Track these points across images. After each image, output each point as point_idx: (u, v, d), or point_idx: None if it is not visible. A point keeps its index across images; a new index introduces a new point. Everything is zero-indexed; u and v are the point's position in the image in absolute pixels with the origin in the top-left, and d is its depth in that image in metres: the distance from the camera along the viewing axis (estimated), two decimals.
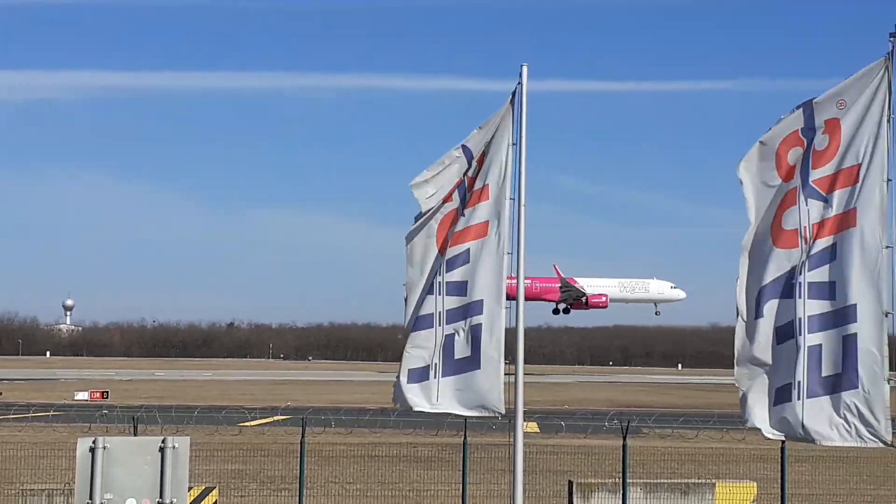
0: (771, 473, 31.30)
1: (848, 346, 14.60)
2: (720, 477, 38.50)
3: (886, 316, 14.43)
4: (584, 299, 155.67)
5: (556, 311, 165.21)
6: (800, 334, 14.82)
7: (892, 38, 14.49)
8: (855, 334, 14.55)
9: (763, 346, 15.07)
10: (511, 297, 17.73)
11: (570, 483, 35.05)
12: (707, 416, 59.47)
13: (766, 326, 15.05)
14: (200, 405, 65.47)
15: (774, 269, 15.06)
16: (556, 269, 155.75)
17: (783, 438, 15.25)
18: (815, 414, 14.72)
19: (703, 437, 52.03)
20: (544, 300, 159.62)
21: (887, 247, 14.53)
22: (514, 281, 17.93)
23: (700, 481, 36.86)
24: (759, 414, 15.12)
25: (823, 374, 14.66)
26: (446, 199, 18.14)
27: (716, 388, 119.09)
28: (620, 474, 30.49)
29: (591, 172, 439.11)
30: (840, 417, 14.66)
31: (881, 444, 14.32)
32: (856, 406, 14.51)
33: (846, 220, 14.73)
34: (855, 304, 14.64)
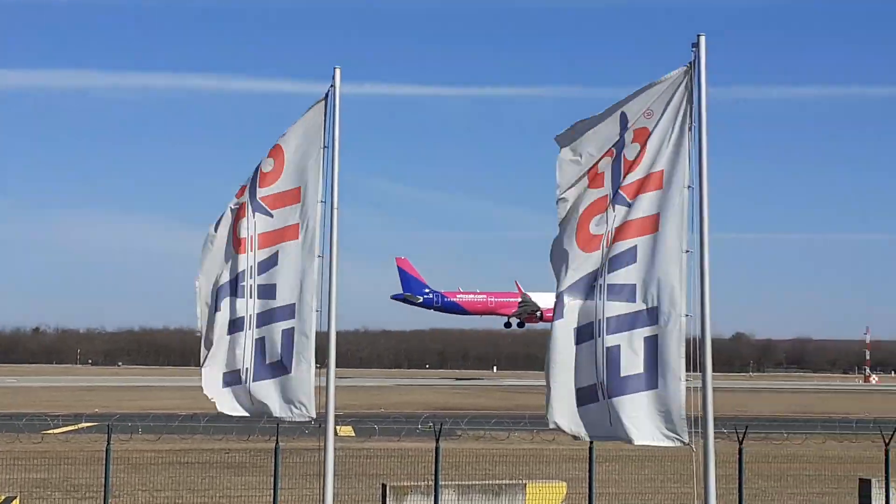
0: (580, 473, 31.95)
1: (648, 347, 14.95)
2: (531, 477, 39.11)
3: (685, 318, 14.84)
4: (538, 314, 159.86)
5: (507, 325, 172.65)
6: (599, 335, 15.09)
7: (693, 48, 14.95)
8: (655, 336, 14.91)
9: (564, 347, 15.31)
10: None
11: (384, 486, 35.06)
12: (519, 417, 60.36)
13: (566, 328, 15.30)
14: (1, 413, 63.10)
15: (576, 272, 15.32)
16: (517, 285, 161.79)
17: (587, 438, 15.53)
18: (617, 414, 15.02)
19: (515, 438, 52.76)
20: (498, 314, 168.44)
21: (686, 251, 14.94)
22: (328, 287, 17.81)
23: (512, 482, 37.38)
24: (562, 414, 15.35)
25: (622, 375, 14.96)
26: (239, 195, 17.95)
27: (528, 390, 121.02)
28: (433, 477, 30.62)
29: (410, 176, 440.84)
30: (641, 417, 14.99)
31: (679, 443, 14.71)
32: (655, 406, 14.87)
33: (649, 224, 15.07)
34: (656, 307, 14.99)
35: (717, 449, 15.48)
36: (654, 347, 14.94)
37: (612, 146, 15.40)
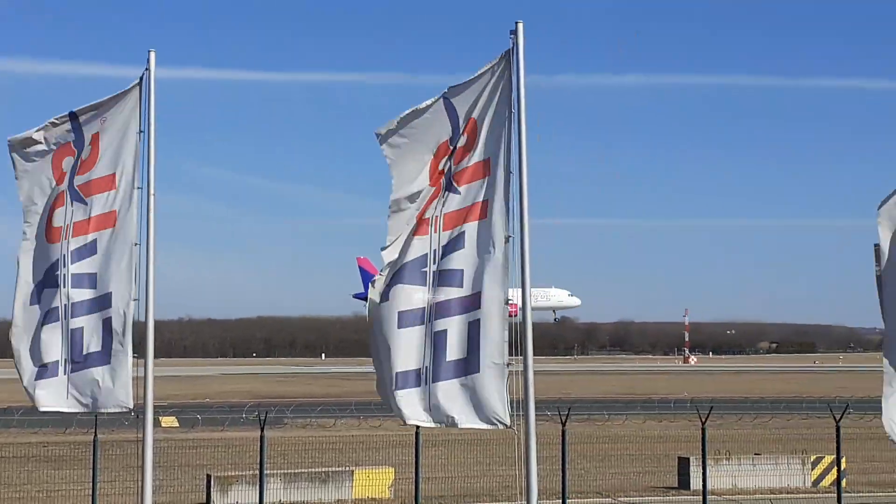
0: (408, 458, 32.10)
1: (472, 332, 15.06)
2: (359, 464, 39.15)
3: (507, 303, 14.99)
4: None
5: None
6: (429, 321, 15.15)
7: (512, 35, 15.07)
8: (479, 320, 15.02)
9: (384, 330, 15.32)
10: None
11: (209, 476, 34.61)
12: (345, 404, 60.31)
13: (390, 311, 15.31)
14: None
15: (408, 256, 15.33)
16: None
17: (412, 423, 15.56)
18: (441, 398, 15.09)
19: (342, 425, 52.76)
20: None
21: (509, 237, 15.09)
22: None
23: (339, 469, 37.35)
24: (387, 397, 15.38)
25: (449, 359, 15.04)
26: (59, 182, 17.41)
27: (357, 377, 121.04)
28: (258, 466, 30.32)
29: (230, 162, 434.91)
30: (465, 401, 15.09)
31: (503, 427, 14.85)
32: (479, 390, 14.98)
33: (477, 211, 15.18)
34: (479, 292, 15.11)
35: (540, 431, 15.69)
36: (477, 332, 15.05)
37: (444, 138, 15.41)
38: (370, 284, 15.59)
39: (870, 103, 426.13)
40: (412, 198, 15.52)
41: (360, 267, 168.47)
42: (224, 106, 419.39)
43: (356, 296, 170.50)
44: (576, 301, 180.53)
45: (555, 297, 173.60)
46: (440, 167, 15.46)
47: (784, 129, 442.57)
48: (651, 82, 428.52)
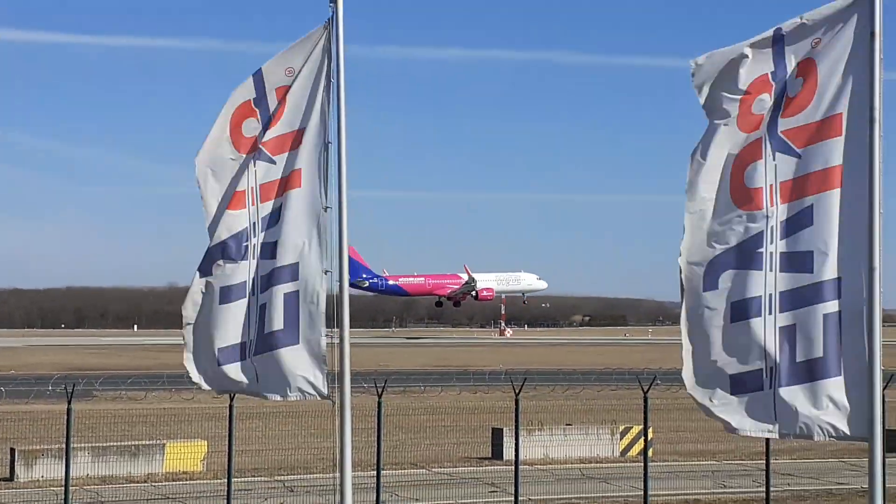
0: (221, 431, 31.70)
1: (289, 304, 14.87)
2: (171, 437, 38.51)
3: (326, 274, 14.85)
4: (474, 294, 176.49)
5: (438, 304, 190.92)
6: (253, 294, 14.96)
7: (332, 4, 14.87)
8: (297, 291, 14.83)
9: (208, 305, 15.07)
10: None
11: (12, 450, 33.62)
12: (157, 377, 59.05)
13: (213, 287, 15.09)
14: None
15: (229, 231, 15.06)
16: (466, 268, 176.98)
17: (224, 393, 15.35)
18: (259, 370, 14.91)
19: (154, 398, 51.78)
20: (434, 295, 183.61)
21: (327, 207, 14.93)
22: None
23: (150, 442, 36.71)
24: (204, 370, 15.16)
25: (267, 331, 14.86)
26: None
27: (170, 349, 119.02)
28: (65, 439, 29.47)
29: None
30: (282, 373, 14.94)
31: (319, 398, 14.76)
32: (296, 361, 14.82)
33: (295, 180, 14.96)
34: (297, 263, 14.93)
35: (356, 403, 15.65)
36: (295, 303, 14.88)
37: (253, 106, 15.13)
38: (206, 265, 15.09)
39: (660, 78, 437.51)
40: (219, 168, 15.20)
41: None
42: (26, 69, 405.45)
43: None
44: (543, 284, 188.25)
45: (524, 281, 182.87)
46: (248, 135, 15.18)
47: (603, 103, 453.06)
48: (471, 56, 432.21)
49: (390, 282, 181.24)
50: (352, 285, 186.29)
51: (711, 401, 12.01)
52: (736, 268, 11.96)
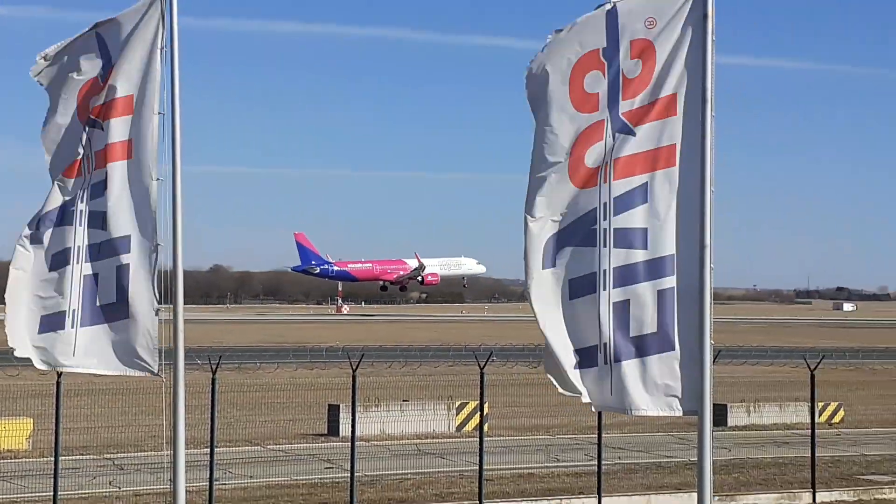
0: (48, 409, 30.80)
1: (120, 278, 14.51)
2: None
3: (156, 248, 14.48)
4: (420, 279, 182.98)
5: (383, 289, 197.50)
6: (77, 262, 14.54)
7: None
8: (127, 265, 14.45)
9: (35, 276, 14.69)
10: None
11: None
12: None
13: (40, 258, 14.71)
14: None
15: (50, 203, 14.68)
16: (417, 256, 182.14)
17: (49, 368, 14.98)
18: (83, 344, 14.53)
19: None
20: (380, 280, 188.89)
21: (158, 179, 14.54)
22: None
23: None
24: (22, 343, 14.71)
25: (96, 305, 14.47)
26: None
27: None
28: None
29: None
30: (112, 348, 14.59)
31: (150, 374, 14.44)
32: (125, 336, 14.48)
33: (123, 150, 14.55)
34: (128, 236, 14.54)
35: (189, 380, 15.32)
36: (125, 278, 14.49)
37: (94, 74, 14.68)
38: None
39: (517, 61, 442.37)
40: (56, 135, 14.81)
41: (297, 242, 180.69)
42: None
43: (295, 269, 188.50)
44: (482, 268, 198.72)
45: (465, 266, 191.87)
46: (86, 103, 14.72)
47: (437, 85, 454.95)
48: (310, 30, 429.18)
49: (338, 268, 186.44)
50: (303, 272, 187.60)
51: (561, 375, 12.13)
52: (573, 245, 12.08)
